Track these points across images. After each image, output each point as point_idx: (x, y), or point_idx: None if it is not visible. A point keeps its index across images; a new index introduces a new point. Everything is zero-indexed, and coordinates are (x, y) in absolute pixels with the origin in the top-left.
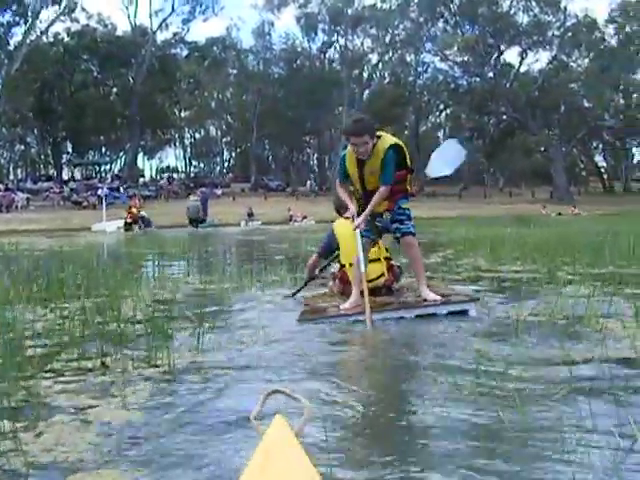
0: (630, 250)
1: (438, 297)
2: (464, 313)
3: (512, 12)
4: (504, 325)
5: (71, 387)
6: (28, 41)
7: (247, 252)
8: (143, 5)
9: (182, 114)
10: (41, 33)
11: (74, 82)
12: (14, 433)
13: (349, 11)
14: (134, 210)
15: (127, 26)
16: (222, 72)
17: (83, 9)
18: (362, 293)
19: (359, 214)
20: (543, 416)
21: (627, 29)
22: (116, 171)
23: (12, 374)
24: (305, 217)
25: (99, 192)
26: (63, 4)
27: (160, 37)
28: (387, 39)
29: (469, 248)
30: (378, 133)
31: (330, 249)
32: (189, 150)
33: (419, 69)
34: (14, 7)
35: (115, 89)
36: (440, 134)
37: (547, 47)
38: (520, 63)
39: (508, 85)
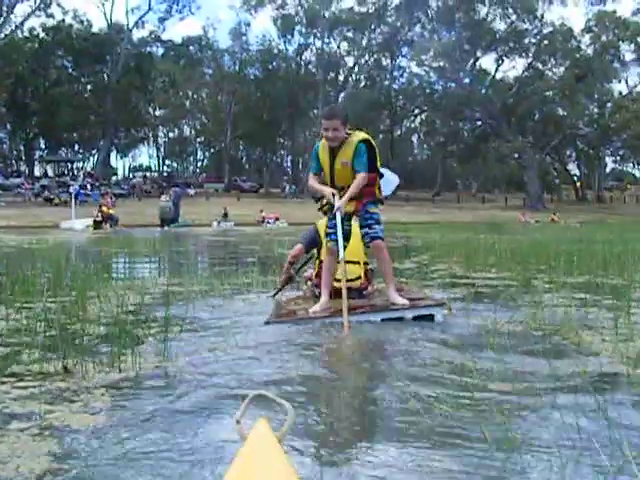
0: (606, 259)
1: (406, 301)
2: (431, 318)
3: (489, 19)
4: (480, 335)
5: (30, 392)
6: (2, 35)
7: (218, 253)
8: (119, 2)
9: (156, 113)
10: (16, 27)
11: (48, 78)
12: None
13: (326, 14)
14: (104, 208)
15: (103, 23)
16: (198, 72)
17: (59, 5)
18: (340, 291)
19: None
20: (528, 433)
21: (603, 38)
22: (89, 169)
23: None
24: (277, 219)
25: (70, 189)
26: None
27: (136, 35)
28: (364, 42)
29: (444, 254)
30: (351, 131)
31: (314, 242)
32: (162, 149)
33: (395, 73)
34: None
35: (89, 86)
36: (415, 139)
37: (523, 54)
38: (496, 70)
39: (484, 91)
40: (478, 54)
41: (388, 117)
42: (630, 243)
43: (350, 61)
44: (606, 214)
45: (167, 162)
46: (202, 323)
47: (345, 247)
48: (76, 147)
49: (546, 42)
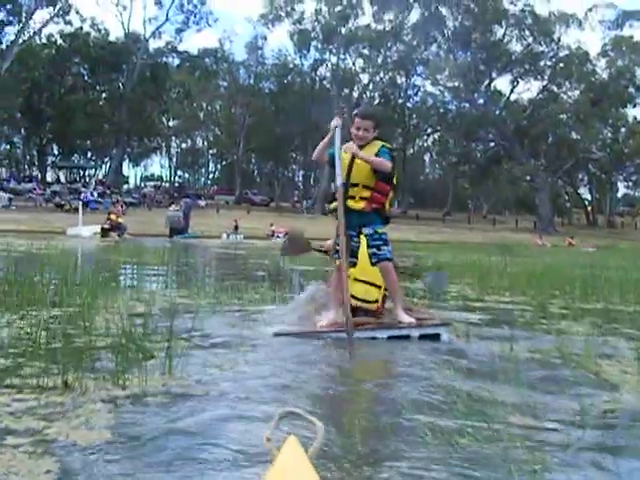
0: (622, 286)
1: (413, 320)
2: (437, 337)
3: (505, 40)
4: (496, 361)
5: (28, 406)
6: (20, 41)
7: (227, 267)
8: (137, 12)
9: (170, 123)
10: (34, 33)
11: (64, 85)
12: None
13: (343, 30)
14: (113, 216)
15: (120, 32)
16: (212, 83)
17: (77, 12)
18: (357, 309)
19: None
20: (558, 473)
21: (619, 63)
22: (100, 176)
23: None
24: (287, 233)
25: (81, 196)
26: (58, 6)
27: (153, 45)
28: (379, 60)
29: (455, 275)
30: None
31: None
32: (175, 159)
33: (409, 92)
34: (8, 6)
35: (104, 94)
36: (427, 158)
37: (538, 77)
38: (511, 91)
39: (497, 112)
40: (493, 75)
41: (401, 135)
42: None
43: (365, 78)
44: (617, 239)
45: (179, 173)
46: (210, 338)
47: (355, 264)
48: (89, 154)
49: (562, 65)
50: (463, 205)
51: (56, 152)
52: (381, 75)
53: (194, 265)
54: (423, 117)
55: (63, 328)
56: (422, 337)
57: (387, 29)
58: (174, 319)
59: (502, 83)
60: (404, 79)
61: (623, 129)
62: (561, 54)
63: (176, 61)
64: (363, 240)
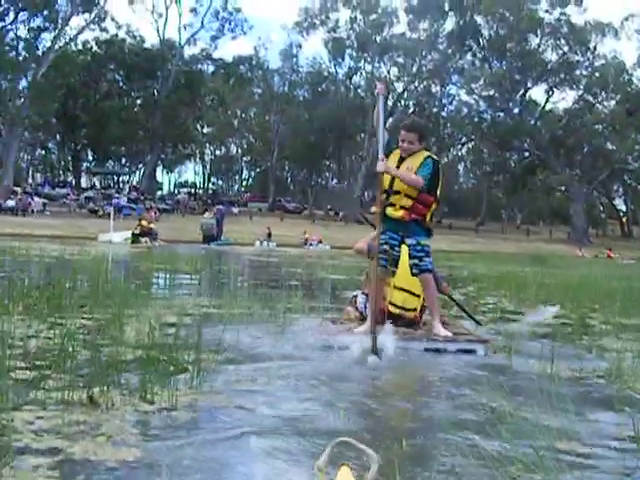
0: None
1: (449, 333)
2: (474, 352)
3: (541, 49)
4: (536, 380)
5: (52, 424)
6: (56, 47)
7: (260, 275)
8: (172, 19)
9: (204, 130)
10: (70, 40)
11: (99, 91)
12: None
13: (378, 38)
14: (144, 222)
15: (155, 39)
16: (247, 91)
17: (113, 19)
18: (394, 316)
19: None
20: None
21: None
22: (134, 182)
23: None
24: (321, 241)
25: (113, 202)
26: (94, 13)
27: (188, 52)
28: (414, 69)
29: (491, 286)
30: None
31: None
32: (208, 166)
33: (444, 100)
34: (45, 12)
35: (139, 100)
36: (461, 167)
37: (574, 86)
38: (546, 101)
39: (532, 122)
40: (528, 84)
41: (435, 144)
42: None
43: (399, 86)
44: None
45: (212, 179)
46: (241, 351)
47: (394, 273)
48: (123, 160)
49: (597, 75)
50: (497, 215)
51: (90, 158)
52: (416, 84)
53: (227, 273)
54: (458, 126)
55: (92, 338)
56: (459, 351)
57: (422, 37)
58: (206, 329)
59: (537, 92)
60: (439, 88)
61: None
62: (597, 64)
63: (211, 68)
64: (404, 249)
